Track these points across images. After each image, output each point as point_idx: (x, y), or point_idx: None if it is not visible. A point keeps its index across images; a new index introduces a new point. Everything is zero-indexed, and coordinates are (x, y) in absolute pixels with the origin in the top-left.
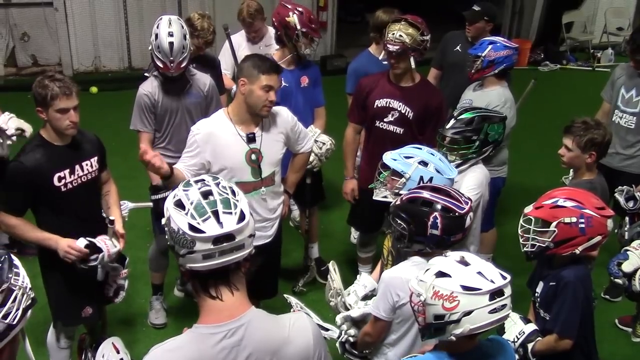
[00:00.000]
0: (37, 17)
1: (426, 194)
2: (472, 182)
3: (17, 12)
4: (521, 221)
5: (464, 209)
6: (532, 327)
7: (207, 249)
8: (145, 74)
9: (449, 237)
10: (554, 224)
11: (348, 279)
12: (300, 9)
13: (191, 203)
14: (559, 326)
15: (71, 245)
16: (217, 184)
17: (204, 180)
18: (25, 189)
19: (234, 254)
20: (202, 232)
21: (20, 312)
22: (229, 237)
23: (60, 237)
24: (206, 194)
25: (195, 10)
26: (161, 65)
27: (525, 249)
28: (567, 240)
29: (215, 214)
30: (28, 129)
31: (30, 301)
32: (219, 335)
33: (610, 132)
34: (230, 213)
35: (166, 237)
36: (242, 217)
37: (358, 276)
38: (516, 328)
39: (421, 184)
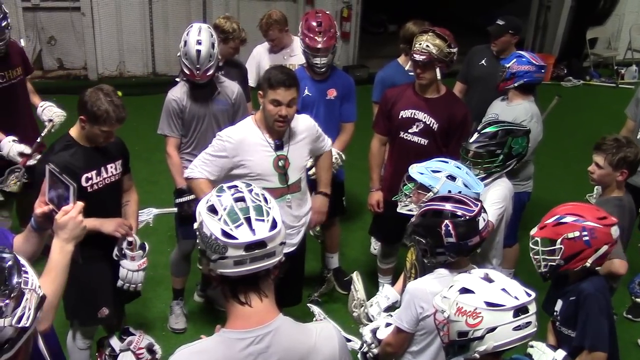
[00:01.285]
0: (64, 22)
1: (434, 205)
2: (496, 196)
3: (45, 16)
4: (530, 244)
5: (474, 211)
6: (562, 353)
7: (238, 255)
8: (176, 79)
9: (465, 242)
10: (559, 241)
11: (368, 290)
12: (308, 16)
13: (224, 209)
14: (589, 340)
15: (119, 222)
16: (250, 191)
17: (236, 186)
18: None
19: (265, 261)
20: (234, 238)
21: (32, 312)
22: (260, 244)
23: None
24: (239, 201)
25: (220, 17)
26: (187, 72)
27: (539, 270)
28: (575, 255)
29: (248, 220)
30: (58, 117)
31: (39, 299)
32: (247, 341)
33: None
34: (263, 220)
35: (197, 241)
36: (274, 224)
37: (380, 287)
38: (546, 357)
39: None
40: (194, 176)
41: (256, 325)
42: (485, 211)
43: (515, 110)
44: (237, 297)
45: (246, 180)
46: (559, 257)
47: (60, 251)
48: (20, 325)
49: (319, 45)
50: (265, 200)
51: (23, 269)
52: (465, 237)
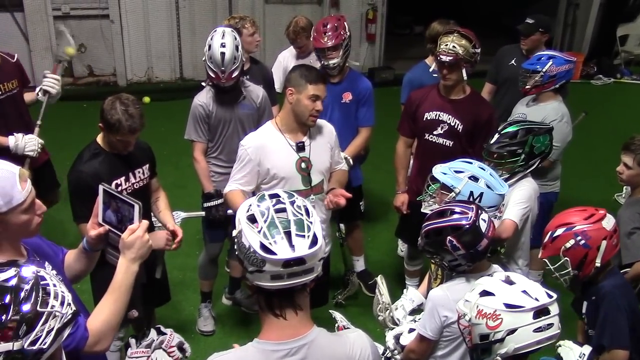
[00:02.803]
0: (94, 29)
1: (432, 224)
2: (520, 195)
3: (75, 24)
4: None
5: (470, 217)
6: (589, 348)
7: (276, 271)
8: (202, 84)
9: (475, 248)
10: (561, 254)
11: (395, 292)
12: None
13: (264, 220)
14: (608, 338)
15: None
16: (292, 203)
17: (279, 196)
18: (91, 197)
19: (303, 276)
20: (273, 253)
21: (52, 333)
22: (299, 261)
23: None
24: (280, 212)
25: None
26: (213, 76)
27: (565, 286)
28: (582, 261)
29: (288, 235)
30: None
31: (70, 317)
32: (281, 352)
33: None
34: (303, 236)
35: (234, 247)
36: (314, 241)
37: (405, 290)
38: (574, 352)
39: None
40: (226, 190)
41: (291, 338)
42: (484, 211)
43: (545, 109)
44: (272, 310)
45: (270, 183)
46: (570, 269)
47: (126, 271)
48: (35, 348)
49: (322, 45)
50: (307, 213)
51: (44, 285)
52: (473, 245)
